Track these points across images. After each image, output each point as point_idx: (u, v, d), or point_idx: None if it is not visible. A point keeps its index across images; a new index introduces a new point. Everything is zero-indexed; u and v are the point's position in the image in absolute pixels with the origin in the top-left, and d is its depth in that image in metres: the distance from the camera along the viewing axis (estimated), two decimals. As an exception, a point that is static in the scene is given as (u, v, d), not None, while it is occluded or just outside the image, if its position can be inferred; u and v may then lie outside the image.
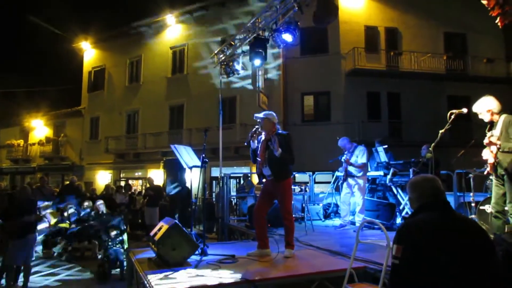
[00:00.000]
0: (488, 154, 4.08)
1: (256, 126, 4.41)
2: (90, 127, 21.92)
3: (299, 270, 3.61)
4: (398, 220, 6.25)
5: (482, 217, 4.92)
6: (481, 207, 5.09)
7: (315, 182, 9.53)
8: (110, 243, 6.48)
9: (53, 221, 7.91)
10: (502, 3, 3.12)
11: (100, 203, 8.03)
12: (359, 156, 6.37)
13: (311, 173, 9.32)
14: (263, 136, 4.37)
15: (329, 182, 9.16)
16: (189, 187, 7.20)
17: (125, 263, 5.87)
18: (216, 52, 8.89)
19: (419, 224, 1.90)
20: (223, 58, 8.54)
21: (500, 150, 3.92)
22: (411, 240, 1.82)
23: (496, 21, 3.31)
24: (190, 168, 5.56)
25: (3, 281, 5.23)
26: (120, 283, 5.87)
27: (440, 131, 4.55)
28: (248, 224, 6.69)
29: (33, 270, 6.04)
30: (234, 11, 16.97)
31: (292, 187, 5.17)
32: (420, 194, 2.03)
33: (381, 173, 7.28)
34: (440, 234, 1.80)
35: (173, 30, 19.35)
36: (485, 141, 4.05)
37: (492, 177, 4.20)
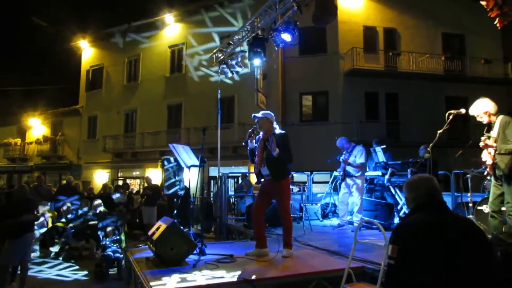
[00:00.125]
0: (486, 156, 4.10)
1: (254, 126, 4.41)
2: (88, 126, 21.85)
3: (297, 270, 3.61)
4: (396, 220, 6.26)
5: (480, 217, 4.94)
6: (479, 207, 5.11)
7: (313, 182, 9.53)
8: (107, 243, 6.46)
9: (50, 219, 7.89)
10: (501, 4, 3.13)
11: (97, 202, 8.01)
12: (357, 156, 6.38)
13: (309, 173, 9.32)
14: (261, 136, 4.37)
15: (327, 182, 9.17)
16: (188, 186, 7.19)
17: (122, 263, 5.85)
18: (214, 51, 8.88)
19: (414, 224, 1.90)
20: (221, 57, 8.53)
21: (497, 152, 3.94)
22: (406, 240, 1.82)
23: (495, 22, 3.32)
24: (189, 167, 5.55)
25: None
26: (117, 283, 5.86)
27: (438, 132, 4.56)
28: (246, 223, 6.69)
29: (30, 269, 6.01)
30: (233, 11, 16.96)
31: (291, 186, 5.17)
32: (416, 194, 2.03)
33: (379, 173, 7.29)
34: (435, 234, 1.79)
35: (172, 29, 19.32)
36: (480, 144, 4.06)
37: (491, 178, 4.21)
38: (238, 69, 8.39)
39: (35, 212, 5.76)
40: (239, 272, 3.45)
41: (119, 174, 20.64)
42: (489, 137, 4.04)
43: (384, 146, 7.53)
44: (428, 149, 4.83)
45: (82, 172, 21.31)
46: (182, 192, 7.50)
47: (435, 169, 6.59)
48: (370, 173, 7.38)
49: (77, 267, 6.93)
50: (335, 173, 7.82)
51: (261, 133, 4.36)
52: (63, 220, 8.12)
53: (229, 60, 8.36)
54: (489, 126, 4.11)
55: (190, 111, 18.09)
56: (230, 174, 9.96)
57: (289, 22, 6.35)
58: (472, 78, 15.72)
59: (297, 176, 10.90)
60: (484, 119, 4.07)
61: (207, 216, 9.95)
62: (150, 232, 4.14)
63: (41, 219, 7.70)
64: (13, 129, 25.65)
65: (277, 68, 15.90)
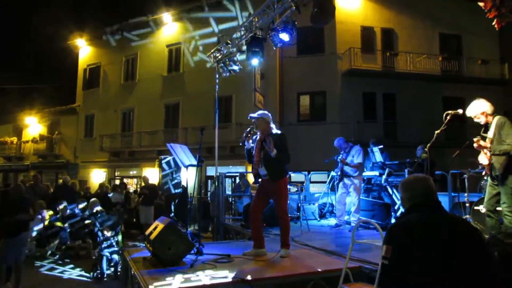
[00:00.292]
0: (483, 156, 4.11)
1: (251, 126, 4.40)
2: (85, 125, 21.77)
3: (295, 270, 3.61)
4: (393, 220, 6.28)
5: (477, 217, 4.96)
6: (476, 207, 5.13)
7: (311, 182, 9.54)
8: (104, 242, 6.44)
9: (47, 217, 7.84)
10: (498, 5, 3.14)
11: (94, 201, 7.97)
12: (355, 156, 6.39)
13: (306, 172, 9.33)
14: (258, 136, 4.37)
15: (324, 182, 9.18)
16: (185, 186, 7.18)
17: (119, 263, 5.83)
18: (212, 51, 8.86)
19: (408, 224, 1.90)
20: (219, 57, 8.51)
21: (491, 153, 3.96)
22: (400, 241, 1.82)
23: (493, 23, 3.33)
24: (186, 167, 5.54)
25: None
26: (114, 283, 5.84)
27: (436, 132, 4.57)
28: (243, 223, 6.68)
29: (26, 269, 5.98)
30: (231, 10, 16.94)
31: (288, 186, 5.17)
32: (412, 194, 2.02)
33: (376, 173, 7.31)
34: (430, 234, 1.79)
35: (170, 28, 19.28)
36: (474, 145, 4.08)
37: (488, 178, 4.23)
38: (235, 67, 8.37)
39: (31, 212, 5.73)
40: (236, 272, 3.44)
41: (116, 173, 20.58)
42: (483, 138, 4.06)
43: (381, 146, 7.55)
44: (426, 149, 4.84)
45: (79, 171, 21.23)
46: (177, 191, 7.48)
47: (432, 169, 6.61)
48: (367, 173, 7.40)
49: (73, 266, 6.90)
50: (333, 173, 7.83)
51: (258, 133, 4.36)
52: (59, 218, 8.07)
53: (227, 60, 8.35)
54: (486, 126, 4.12)
55: (187, 111, 18.06)
56: (227, 174, 9.95)
57: (287, 22, 6.35)
58: (469, 78, 15.79)
59: (295, 176, 10.90)
60: (482, 120, 4.09)
61: (204, 216, 9.93)
62: (147, 232, 4.13)
63: (38, 217, 7.64)
64: (9, 127, 25.52)
65: (275, 68, 15.90)
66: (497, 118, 3.99)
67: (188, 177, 5.80)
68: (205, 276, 3.31)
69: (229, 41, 8.23)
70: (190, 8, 18.18)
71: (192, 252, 3.98)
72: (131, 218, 11.25)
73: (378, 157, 7.39)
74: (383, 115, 15.93)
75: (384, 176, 7.00)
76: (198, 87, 17.23)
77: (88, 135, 21.56)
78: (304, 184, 9.01)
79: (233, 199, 9.62)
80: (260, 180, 4.38)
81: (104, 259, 6.13)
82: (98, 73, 21.73)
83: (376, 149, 7.46)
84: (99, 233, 6.63)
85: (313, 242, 4.89)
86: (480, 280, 1.75)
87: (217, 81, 9.08)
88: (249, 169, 5.36)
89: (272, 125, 4.36)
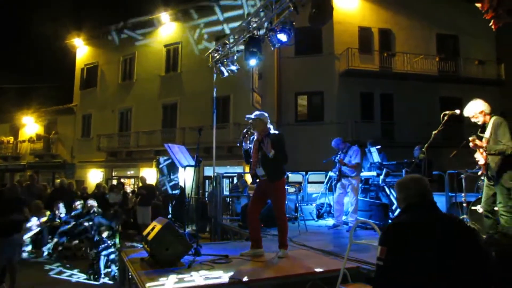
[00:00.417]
0: (479, 156, 4.14)
1: (248, 127, 4.40)
2: (82, 124, 21.69)
3: (292, 271, 3.60)
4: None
5: (474, 217, 4.98)
6: (473, 207, 5.15)
7: (308, 182, 9.54)
8: (101, 243, 6.41)
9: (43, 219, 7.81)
10: (495, 7, 3.16)
11: (91, 202, 7.94)
12: (353, 156, 6.39)
13: (304, 173, 9.33)
14: (255, 137, 4.36)
15: (322, 182, 9.18)
16: (183, 186, 7.16)
17: (117, 263, 5.81)
18: (210, 51, 8.85)
19: (403, 225, 1.90)
20: (217, 57, 8.50)
21: (486, 152, 3.99)
22: (394, 241, 1.83)
23: (490, 24, 3.35)
24: (184, 167, 5.53)
25: None
26: (111, 284, 5.82)
27: (433, 132, 4.59)
28: (241, 223, 6.67)
29: (22, 270, 5.94)
30: (229, 10, 16.92)
31: (286, 187, 5.17)
32: (407, 194, 2.03)
33: (374, 173, 7.32)
34: (426, 234, 1.80)
35: (167, 28, 19.24)
36: (470, 144, 4.10)
37: (484, 178, 4.26)
38: (233, 67, 8.36)
39: (25, 214, 5.69)
40: (234, 273, 3.44)
41: (113, 174, 20.51)
42: (480, 138, 4.09)
43: (379, 147, 7.56)
44: (423, 149, 4.86)
45: (76, 171, 21.15)
46: (175, 192, 7.47)
47: (430, 170, 6.63)
48: (365, 174, 7.40)
49: (70, 267, 6.87)
50: (330, 173, 7.83)
51: (256, 134, 4.36)
52: (57, 220, 8.04)
53: (225, 60, 8.34)
54: (483, 127, 4.15)
55: (185, 111, 18.03)
56: (225, 174, 9.94)
57: (285, 22, 6.35)
58: (466, 79, 15.86)
59: (292, 176, 10.91)
60: (480, 119, 4.12)
61: (202, 216, 9.92)
62: (144, 233, 4.11)
63: (36, 221, 7.62)
64: (5, 127, 25.39)
65: (272, 68, 15.90)
66: (494, 118, 4.03)
67: (186, 178, 5.80)
68: (202, 277, 3.30)
69: (227, 41, 8.22)
70: (188, 7, 18.14)
71: (190, 252, 3.97)
72: (128, 218, 11.21)
73: (375, 157, 7.40)
74: (380, 116, 15.96)
75: (381, 177, 7.01)
76: (196, 87, 17.20)
77: (85, 135, 21.49)
78: (302, 185, 9.01)
79: (230, 199, 9.62)
80: (258, 180, 4.38)
81: (101, 259, 6.10)
82: (95, 72, 21.65)
83: (373, 150, 7.47)
84: (96, 234, 6.61)
85: (311, 243, 4.89)
86: (477, 280, 1.75)
87: (214, 80, 9.07)
88: (247, 169, 5.36)
89: (270, 126, 4.36)
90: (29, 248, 7.72)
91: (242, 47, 7.65)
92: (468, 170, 5.62)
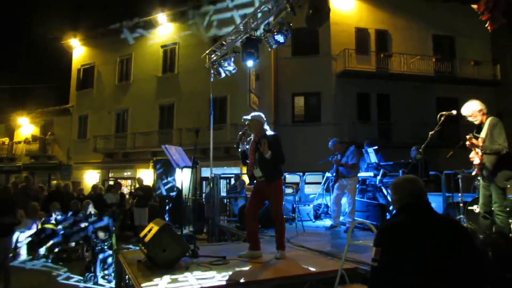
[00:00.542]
0: (474, 156, 4.17)
1: (245, 128, 4.40)
2: (79, 125, 21.60)
3: (290, 272, 3.60)
4: (388, 221, 6.29)
5: (471, 217, 4.99)
6: (470, 208, 5.17)
7: (306, 183, 9.55)
8: (98, 245, 6.38)
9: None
10: (491, 8, 3.18)
11: (87, 203, 7.91)
12: (350, 157, 6.39)
13: (301, 173, 9.33)
14: (252, 138, 4.36)
15: (319, 183, 9.19)
16: (180, 187, 7.14)
17: (113, 265, 5.78)
18: (207, 52, 8.83)
19: (397, 226, 1.90)
20: (214, 58, 8.49)
21: (482, 151, 4.02)
22: (389, 242, 1.83)
23: (486, 25, 3.38)
24: (181, 168, 5.51)
25: None
26: (108, 286, 5.78)
27: (430, 133, 4.61)
28: (238, 225, 6.66)
29: (17, 272, 5.90)
30: (225, 11, 16.91)
31: (283, 188, 5.16)
32: (402, 195, 2.03)
33: (371, 174, 7.33)
34: (420, 234, 1.80)
35: (164, 29, 19.21)
36: (466, 142, 4.14)
37: (480, 178, 4.29)
38: (230, 68, 8.35)
39: (16, 217, 5.64)
40: (232, 275, 3.43)
41: (110, 175, 20.43)
42: (476, 138, 4.12)
43: (376, 147, 7.58)
44: (420, 150, 4.87)
45: (72, 172, 21.05)
46: (171, 194, 7.44)
47: (426, 170, 6.66)
48: (362, 174, 7.42)
49: (66, 269, 6.83)
50: (328, 174, 7.84)
51: (252, 135, 4.35)
52: (52, 221, 7.99)
53: (222, 61, 8.32)
54: (479, 127, 4.19)
55: (182, 112, 18.00)
56: (222, 175, 9.92)
57: (283, 24, 6.34)
58: (462, 79, 15.95)
59: (290, 177, 10.90)
60: (478, 119, 4.17)
61: (199, 217, 9.90)
62: (141, 234, 4.09)
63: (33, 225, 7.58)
64: (1, 128, 25.25)
65: (269, 69, 15.91)
66: (490, 119, 4.08)
67: (183, 179, 5.78)
68: (200, 279, 3.29)
69: (224, 42, 8.21)
70: (185, 8, 18.12)
71: (187, 254, 3.96)
72: (125, 220, 11.17)
73: (372, 158, 7.42)
74: (377, 116, 16.02)
75: (378, 177, 7.03)
76: (193, 88, 17.18)
77: (82, 136, 21.39)
78: (299, 185, 9.01)
79: (228, 200, 9.60)
80: (255, 181, 4.37)
81: (98, 261, 6.07)
82: (92, 73, 21.57)
83: (370, 150, 7.48)
84: (92, 236, 6.57)
85: (308, 243, 4.89)
86: (473, 279, 1.76)
87: (212, 81, 9.06)
88: (244, 170, 5.35)
89: (266, 127, 4.35)
90: (24, 250, 7.67)
91: (239, 48, 7.64)
92: (465, 171, 5.64)
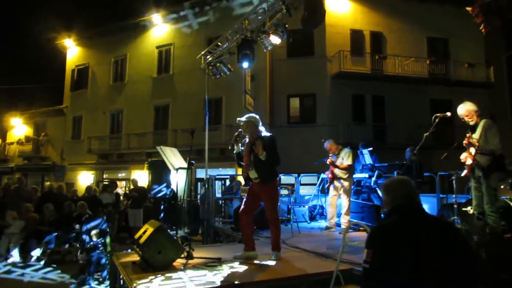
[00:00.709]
0: (467, 156, 4.21)
1: (240, 130, 4.39)
2: (73, 126, 21.45)
3: (285, 273, 3.60)
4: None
5: (465, 218, 5.02)
6: (464, 209, 5.20)
7: (301, 184, 9.55)
8: (92, 246, 6.32)
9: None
10: (485, 10, 3.22)
11: (81, 205, 7.84)
12: (345, 158, 6.40)
13: (296, 175, 9.34)
14: (247, 139, 4.36)
15: (314, 184, 9.20)
16: (175, 188, 7.11)
17: (107, 267, 5.73)
18: (203, 53, 8.82)
19: (388, 227, 1.90)
20: (210, 59, 8.48)
21: (479, 151, 4.06)
22: (380, 244, 1.83)
23: (480, 28, 3.41)
24: (176, 170, 5.49)
25: None
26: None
27: (425, 134, 4.63)
28: (233, 226, 6.64)
29: (10, 275, 5.83)
30: (221, 12, 16.91)
31: (278, 189, 5.16)
32: (394, 197, 2.02)
33: (366, 175, 7.35)
34: (410, 236, 1.80)
35: (160, 30, 19.16)
36: (464, 141, 4.18)
37: (472, 180, 4.34)
38: (225, 69, 8.34)
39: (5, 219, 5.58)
40: (227, 276, 3.42)
41: (104, 176, 20.31)
42: (471, 136, 4.17)
43: (371, 149, 7.60)
44: (415, 151, 4.90)
45: (66, 173, 20.87)
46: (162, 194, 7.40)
47: (421, 171, 6.70)
48: (357, 175, 7.43)
49: (59, 271, 6.76)
50: (323, 175, 7.85)
51: (247, 136, 4.35)
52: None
53: (217, 62, 8.32)
54: (472, 128, 4.24)
55: (177, 113, 17.95)
56: (217, 176, 9.90)
57: (278, 25, 6.36)
58: (456, 81, 16.08)
59: (285, 178, 10.93)
60: (473, 119, 4.22)
61: (194, 219, 9.86)
62: (136, 236, 4.07)
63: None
64: (-7, 129, 25.00)
65: (265, 70, 15.92)
66: (484, 120, 4.15)
67: (178, 180, 5.76)
68: (195, 280, 3.27)
69: (219, 43, 8.21)
70: (180, 9, 18.09)
71: (182, 256, 3.94)
72: (120, 221, 11.08)
73: (367, 159, 7.44)
74: (372, 118, 16.09)
75: (373, 178, 7.04)
76: (188, 88, 17.15)
77: (76, 137, 21.23)
78: (295, 186, 9.01)
79: (223, 201, 9.59)
80: (250, 183, 4.36)
81: (92, 263, 6.01)
82: (86, 74, 21.45)
83: (365, 151, 7.50)
84: (87, 237, 6.51)
85: (303, 245, 4.89)
86: (465, 280, 1.76)
87: (207, 82, 9.04)
88: (239, 171, 5.34)
89: (261, 128, 4.35)
90: (16, 252, 7.59)
91: (234, 49, 7.64)
92: (459, 172, 5.67)
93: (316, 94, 15.97)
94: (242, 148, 4.40)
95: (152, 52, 19.20)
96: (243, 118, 4.34)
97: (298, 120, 16.21)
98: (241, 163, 4.39)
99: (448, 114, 4.57)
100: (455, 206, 5.46)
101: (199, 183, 15.66)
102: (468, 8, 3.42)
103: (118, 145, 19.24)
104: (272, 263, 3.99)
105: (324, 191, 7.45)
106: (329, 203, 6.57)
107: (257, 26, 6.93)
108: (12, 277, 5.47)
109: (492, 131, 4.05)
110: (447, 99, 14.72)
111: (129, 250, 5.19)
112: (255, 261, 4.05)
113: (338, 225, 6.53)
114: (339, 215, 6.60)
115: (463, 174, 4.45)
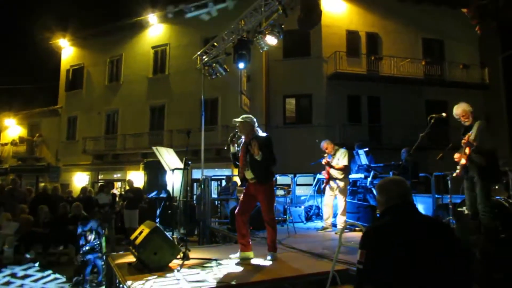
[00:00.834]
0: (461, 156, 4.24)
1: (235, 130, 4.39)
2: (67, 127, 21.30)
3: (282, 273, 3.59)
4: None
5: (460, 219, 5.05)
6: (459, 209, 5.23)
7: (297, 185, 9.56)
8: (87, 248, 6.27)
9: None
10: (481, 12, 3.24)
11: (77, 206, 7.79)
12: (340, 158, 6.42)
13: (292, 175, 9.35)
14: (243, 140, 4.35)
15: (310, 185, 9.22)
16: (171, 189, 7.06)
17: (103, 268, 5.70)
18: (199, 53, 8.80)
19: (381, 228, 1.90)
20: (206, 59, 8.47)
21: (476, 151, 4.10)
22: (373, 245, 1.82)
23: (476, 29, 3.44)
24: (172, 170, 5.47)
25: None
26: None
27: (421, 135, 4.66)
28: (230, 226, 6.63)
29: (8, 286, 5.77)
30: (217, 12, 16.89)
31: (275, 189, 5.16)
32: (389, 197, 2.01)
33: (362, 175, 7.37)
34: (404, 236, 1.80)
35: (155, 30, 19.10)
36: (463, 140, 4.21)
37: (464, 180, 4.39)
38: (221, 69, 8.33)
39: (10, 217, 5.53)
40: (223, 277, 3.41)
41: (100, 177, 20.19)
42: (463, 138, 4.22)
43: (367, 149, 7.63)
44: (411, 152, 4.93)
45: (61, 174, 20.72)
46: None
47: (416, 172, 6.73)
48: (353, 176, 7.45)
49: (54, 273, 6.70)
50: (319, 176, 7.86)
51: (243, 137, 4.35)
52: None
53: (213, 62, 8.30)
54: (466, 129, 4.29)
55: (173, 113, 17.90)
56: (213, 177, 9.88)
57: (274, 25, 6.36)
58: (451, 82, 16.17)
59: (281, 179, 10.92)
60: (469, 120, 4.27)
61: (190, 219, 9.82)
62: (132, 237, 4.05)
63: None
64: (-14, 129, 24.77)
65: (261, 71, 15.91)
66: (480, 122, 4.19)
67: (174, 180, 5.74)
68: (191, 281, 3.26)
69: (215, 43, 8.19)
70: (176, 9, 18.04)
71: (179, 256, 3.92)
72: (116, 222, 11.01)
73: (363, 159, 7.47)
74: (367, 118, 16.14)
75: (369, 179, 7.07)
76: (184, 89, 17.10)
77: (71, 137, 21.10)
78: (291, 187, 9.01)
79: (219, 202, 9.57)
80: (246, 183, 4.36)
81: (87, 265, 5.97)
82: (81, 74, 21.32)
83: (361, 152, 7.53)
84: (82, 238, 6.46)
85: (300, 245, 4.89)
86: (458, 279, 1.76)
87: (203, 83, 9.02)
88: (236, 172, 5.34)
89: (257, 128, 4.35)
90: (10, 254, 7.52)
91: (230, 49, 7.64)
92: (452, 172, 5.71)
93: (312, 95, 15.99)
94: (238, 148, 4.40)
95: (147, 52, 19.13)
96: (239, 119, 4.34)
97: (294, 120, 16.22)
98: (237, 163, 4.39)
99: (444, 114, 4.60)
100: (450, 206, 5.49)
101: (195, 184, 15.62)
102: (464, 10, 3.44)
103: (113, 146, 19.14)
104: (268, 263, 3.98)
105: (320, 192, 7.46)
106: (325, 204, 6.59)
107: (253, 27, 6.93)
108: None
109: (486, 132, 4.11)
110: (442, 100, 14.80)
111: (122, 252, 5.15)
112: (252, 262, 4.04)
113: (334, 225, 6.54)
114: (335, 216, 6.61)
115: (454, 174, 4.49)
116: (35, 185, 19.33)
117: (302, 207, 8.16)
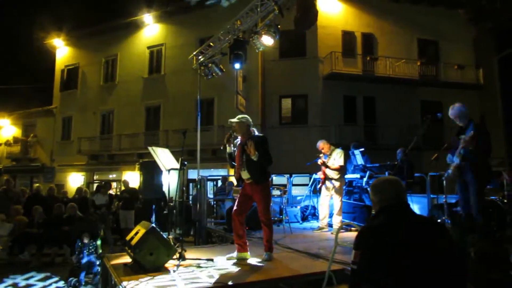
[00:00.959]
0: (455, 158, 4.27)
1: (231, 131, 4.39)
2: (62, 127, 21.19)
3: (278, 274, 3.59)
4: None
5: (455, 219, 5.08)
6: (454, 209, 5.27)
7: (293, 185, 9.57)
8: (82, 248, 6.23)
9: None
10: (478, 14, 3.26)
11: (72, 206, 7.74)
12: (336, 158, 6.43)
13: (288, 175, 9.36)
14: (239, 140, 4.35)
15: (306, 185, 9.23)
16: (167, 190, 7.03)
17: (98, 269, 5.66)
18: (194, 53, 8.79)
19: (375, 228, 1.90)
20: (202, 59, 8.46)
21: (473, 152, 4.12)
22: (367, 245, 1.82)
23: (471, 31, 3.46)
24: (168, 170, 5.45)
25: None
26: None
27: (416, 135, 4.68)
28: (226, 227, 6.63)
29: None
30: (213, 12, 16.86)
31: (271, 190, 5.16)
32: (383, 197, 2.01)
33: (357, 175, 7.40)
34: (397, 236, 1.80)
35: (151, 30, 19.04)
36: (462, 140, 4.25)
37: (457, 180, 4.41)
38: (217, 70, 8.32)
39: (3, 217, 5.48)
40: (220, 277, 3.40)
41: (95, 177, 20.08)
42: (459, 139, 4.23)
43: (362, 149, 7.65)
44: (406, 152, 4.95)
45: (56, 175, 20.59)
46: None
47: (412, 172, 6.76)
48: (348, 176, 7.48)
49: (49, 274, 6.65)
50: (315, 176, 7.87)
51: (239, 137, 4.35)
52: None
53: (209, 62, 8.29)
54: (460, 129, 4.32)
55: (168, 113, 17.86)
56: (209, 177, 9.87)
57: (271, 26, 6.36)
58: (446, 83, 16.27)
59: (277, 179, 10.92)
60: (465, 121, 4.30)
61: (186, 220, 9.80)
62: (128, 237, 4.03)
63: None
64: (-20, 129, 24.54)
65: (257, 71, 15.92)
66: (473, 123, 4.19)
67: (170, 181, 5.71)
68: (187, 282, 3.25)
69: (211, 44, 8.19)
70: (172, 9, 18.00)
71: (175, 257, 3.91)
72: (111, 223, 10.95)
73: (359, 159, 7.49)
74: (363, 118, 16.20)
75: (365, 179, 7.09)
76: (180, 89, 17.07)
77: (66, 137, 20.98)
78: (287, 187, 9.02)
79: (215, 202, 9.55)
80: (242, 183, 4.36)
81: (82, 266, 5.93)
82: (76, 74, 21.21)
83: (357, 152, 7.55)
84: (77, 239, 6.42)
85: (296, 245, 4.89)
86: (453, 279, 1.77)
87: (199, 83, 9.01)
88: (231, 172, 5.33)
89: (253, 129, 4.35)
90: (5, 255, 7.46)
91: (226, 49, 7.63)
92: (445, 173, 5.75)
93: (308, 95, 16.02)
94: (234, 148, 4.40)
95: (143, 52, 19.07)
96: (235, 119, 4.34)
97: (290, 120, 16.24)
98: (233, 163, 4.39)
99: (439, 115, 4.63)
100: (445, 206, 5.52)
101: (191, 184, 15.59)
102: (461, 11, 3.46)
103: (109, 146, 19.05)
104: (264, 263, 3.98)
105: (316, 192, 7.48)
106: (321, 204, 6.59)
107: (249, 27, 6.93)
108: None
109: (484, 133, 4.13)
110: (437, 100, 14.89)
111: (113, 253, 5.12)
112: (248, 262, 4.04)
113: (330, 225, 6.55)
114: (331, 216, 6.62)
115: (446, 175, 4.51)
116: (29, 186, 19.17)
117: (298, 207, 8.17)
